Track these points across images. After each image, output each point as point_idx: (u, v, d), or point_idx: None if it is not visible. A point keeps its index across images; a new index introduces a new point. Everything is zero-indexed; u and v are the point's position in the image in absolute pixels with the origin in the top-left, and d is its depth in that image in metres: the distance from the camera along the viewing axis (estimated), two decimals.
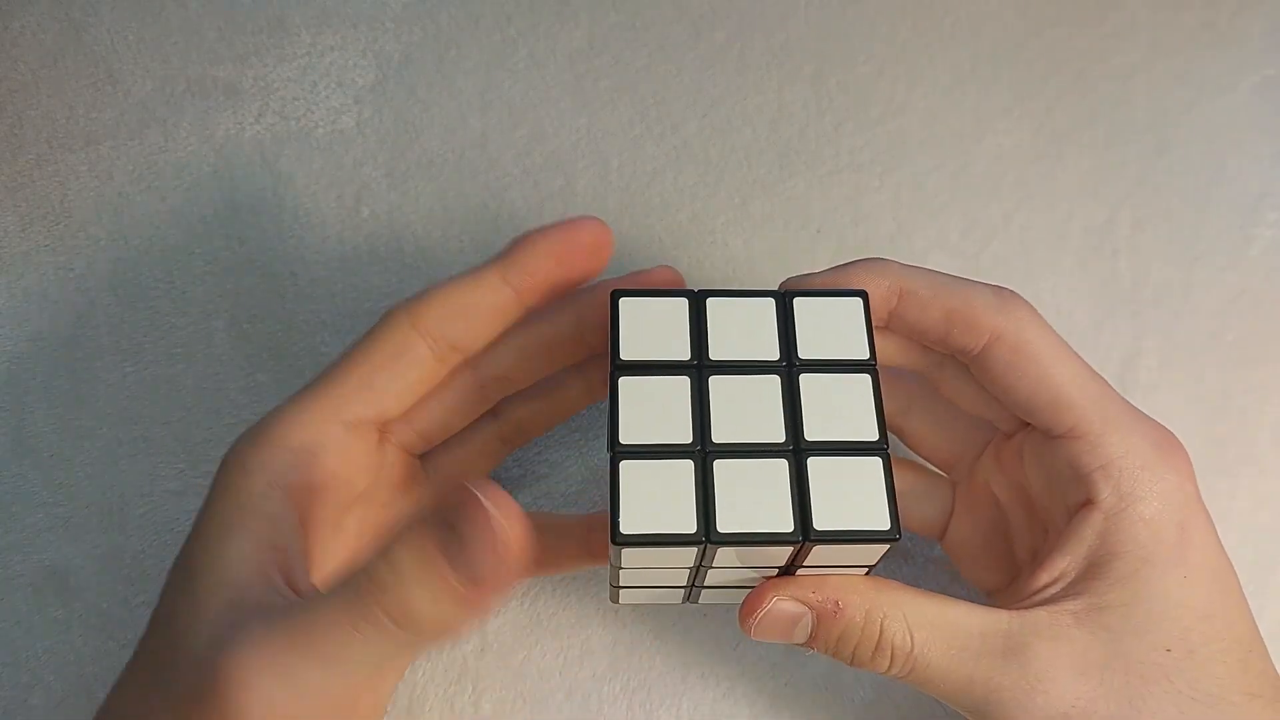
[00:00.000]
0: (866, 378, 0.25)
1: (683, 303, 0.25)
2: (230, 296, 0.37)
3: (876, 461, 0.24)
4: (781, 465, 0.23)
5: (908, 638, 0.24)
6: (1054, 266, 0.37)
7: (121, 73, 0.40)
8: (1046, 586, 0.25)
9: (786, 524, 0.23)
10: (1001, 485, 0.28)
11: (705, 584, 0.26)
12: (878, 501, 0.23)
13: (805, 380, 0.24)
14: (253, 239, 0.38)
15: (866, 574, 0.25)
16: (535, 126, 0.39)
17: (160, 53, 0.40)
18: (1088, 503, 0.25)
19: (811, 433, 0.24)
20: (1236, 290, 0.36)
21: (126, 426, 0.35)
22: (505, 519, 0.20)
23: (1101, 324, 0.36)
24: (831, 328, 0.25)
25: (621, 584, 0.26)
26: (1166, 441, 0.26)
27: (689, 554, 0.24)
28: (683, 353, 0.25)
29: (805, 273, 0.28)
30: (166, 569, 0.34)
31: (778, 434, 0.24)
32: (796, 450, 0.24)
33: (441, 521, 0.20)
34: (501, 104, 0.39)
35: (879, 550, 0.24)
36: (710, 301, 0.25)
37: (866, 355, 0.25)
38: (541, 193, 0.38)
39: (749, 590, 0.25)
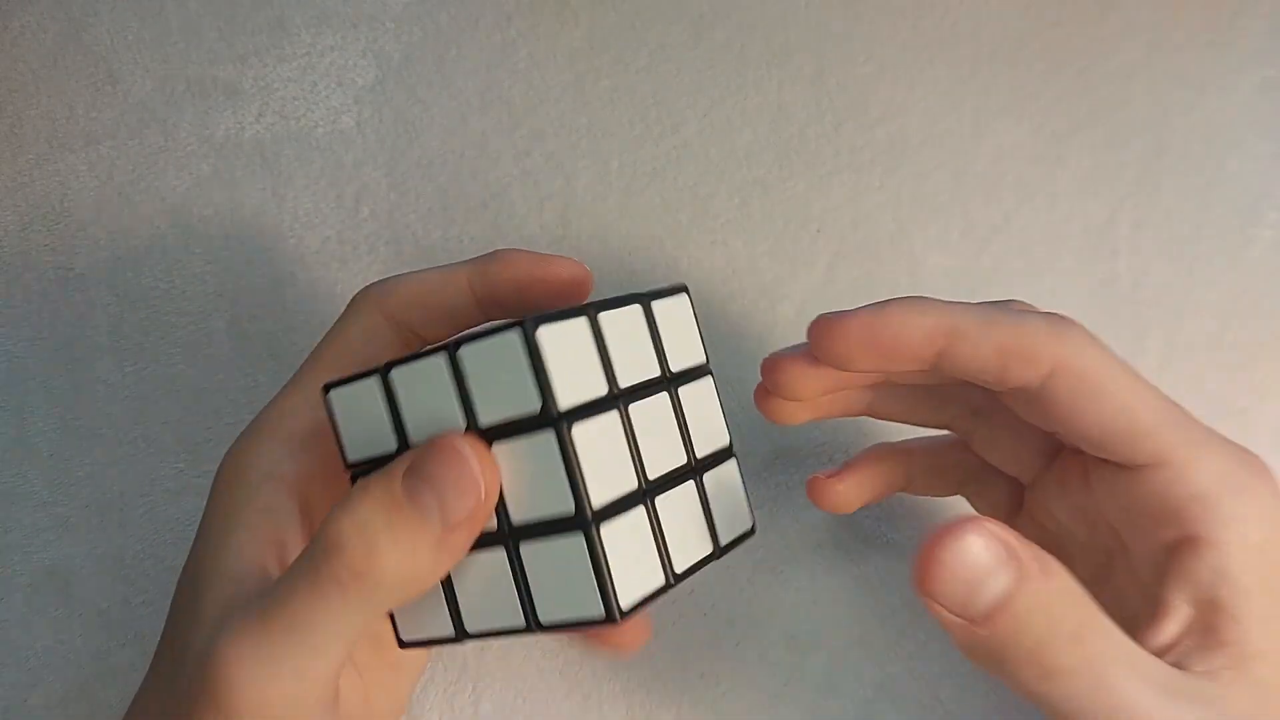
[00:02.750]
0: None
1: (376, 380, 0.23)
2: (230, 296, 0.37)
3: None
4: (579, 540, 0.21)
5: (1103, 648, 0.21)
6: (1054, 266, 0.37)
7: (121, 73, 0.40)
8: (1177, 642, 0.23)
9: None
10: (1061, 509, 0.27)
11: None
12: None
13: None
14: (253, 239, 0.38)
15: None
16: (535, 126, 0.39)
17: (160, 53, 0.40)
18: (1189, 538, 0.23)
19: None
20: (1236, 290, 0.36)
21: (126, 426, 0.35)
22: (481, 461, 0.21)
23: (1101, 324, 0.36)
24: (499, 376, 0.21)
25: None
26: (1254, 461, 0.24)
27: None
28: (390, 443, 0.23)
29: (838, 310, 0.26)
30: (166, 569, 0.34)
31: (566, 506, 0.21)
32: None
33: (409, 470, 0.21)
34: (501, 104, 0.39)
35: None
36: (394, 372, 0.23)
37: (537, 406, 0.21)
38: (541, 193, 0.38)
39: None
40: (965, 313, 0.24)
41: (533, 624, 0.21)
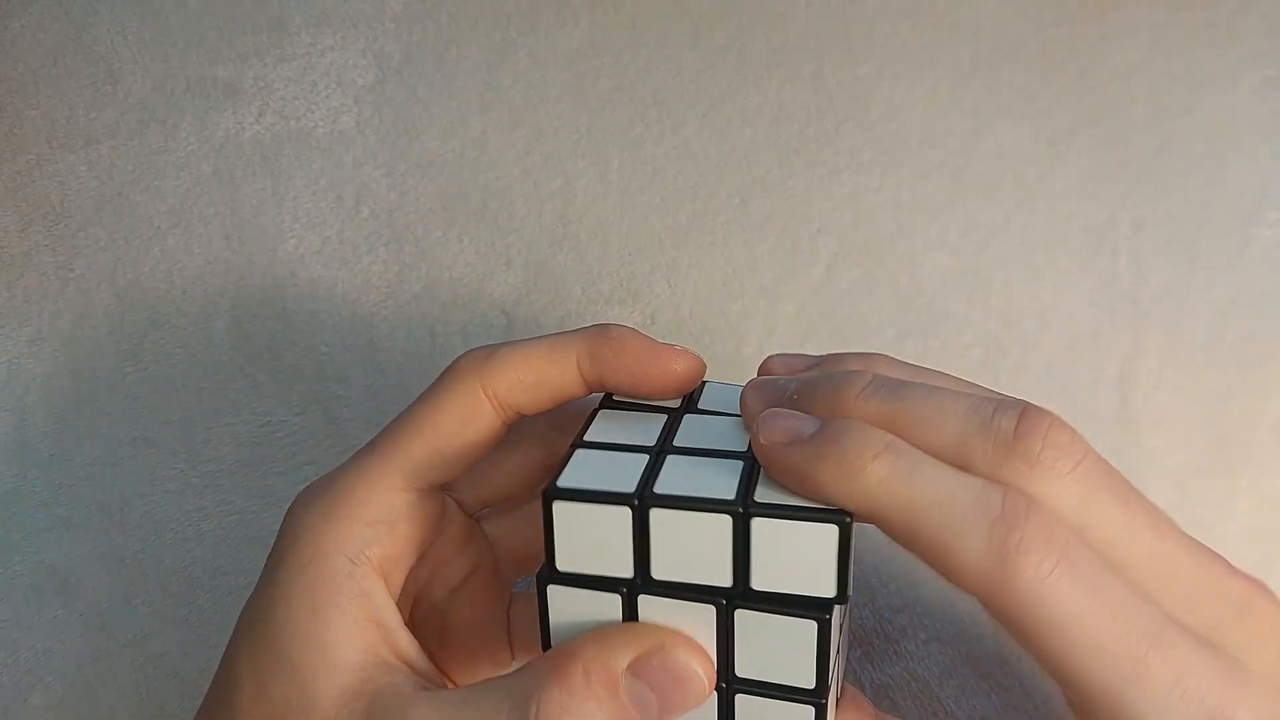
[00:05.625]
0: (812, 624, 0.21)
1: (626, 512, 0.22)
2: (230, 296, 0.37)
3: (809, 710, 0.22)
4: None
5: None
6: (1054, 266, 0.37)
7: (121, 73, 0.40)
8: None
9: None
10: None
11: None
12: None
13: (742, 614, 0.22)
14: (253, 239, 0.38)
15: None
16: (535, 126, 0.39)
17: (160, 53, 0.40)
18: None
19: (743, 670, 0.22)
20: (1236, 290, 0.36)
21: (126, 426, 0.35)
22: (705, 672, 0.22)
23: (1101, 324, 0.36)
24: (797, 557, 0.21)
25: None
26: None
27: None
28: (624, 569, 0.22)
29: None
30: (166, 569, 0.34)
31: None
32: (729, 676, 0.22)
33: (635, 669, 0.21)
34: (501, 104, 0.39)
35: None
36: (655, 514, 0.21)
37: (832, 594, 0.21)
38: (541, 193, 0.38)
39: None
40: (898, 504, 0.20)
41: None
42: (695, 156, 0.38)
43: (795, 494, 0.21)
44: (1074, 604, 0.20)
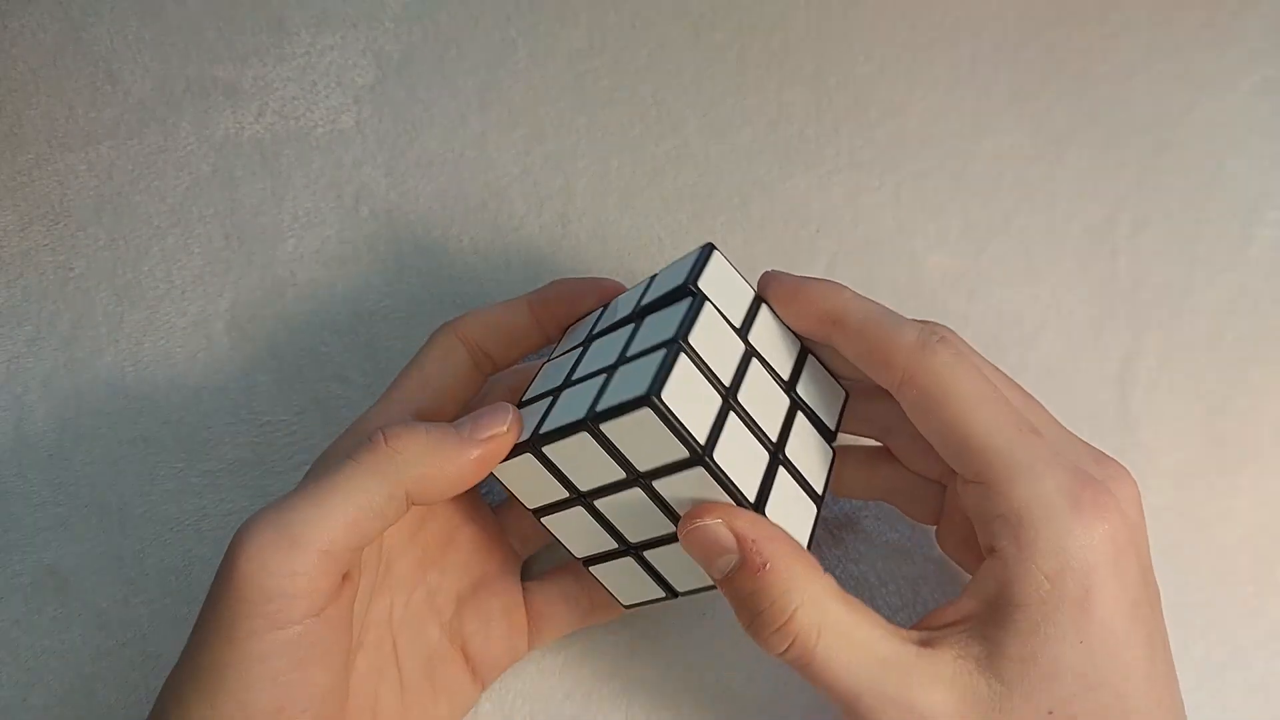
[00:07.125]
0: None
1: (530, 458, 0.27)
2: (230, 296, 0.37)
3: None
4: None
5: (814, 635, 0.24)
6: (1054, 266, 0.37)
7: (121, 73, 0.40)
8: (954, 624, 0.25)
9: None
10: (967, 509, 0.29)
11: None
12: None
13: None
14: (253, 239, 0.38)
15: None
16: (535, 126, 0.39)
17: (160, 53, 0.40)
18: (992, 549, 0.25)
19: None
20: (1236, 290, 0.36)
21: (126, 426, 0.35)
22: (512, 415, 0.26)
23: (1101, 324, 0.36)
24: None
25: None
26: (1090, 495, 0.25)
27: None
28: (562, 492, 0.27)
29: (784, 272, 0.29)
30: (166, 569, 0.34)
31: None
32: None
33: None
34: (501, 104, 0.39)
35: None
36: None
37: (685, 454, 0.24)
38: (541, 193, 0.38)
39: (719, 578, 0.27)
40: (857, 310, 0.27)
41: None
42: (695, 156, 0.38)
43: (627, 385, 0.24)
44: (976, 385, 0.25)
